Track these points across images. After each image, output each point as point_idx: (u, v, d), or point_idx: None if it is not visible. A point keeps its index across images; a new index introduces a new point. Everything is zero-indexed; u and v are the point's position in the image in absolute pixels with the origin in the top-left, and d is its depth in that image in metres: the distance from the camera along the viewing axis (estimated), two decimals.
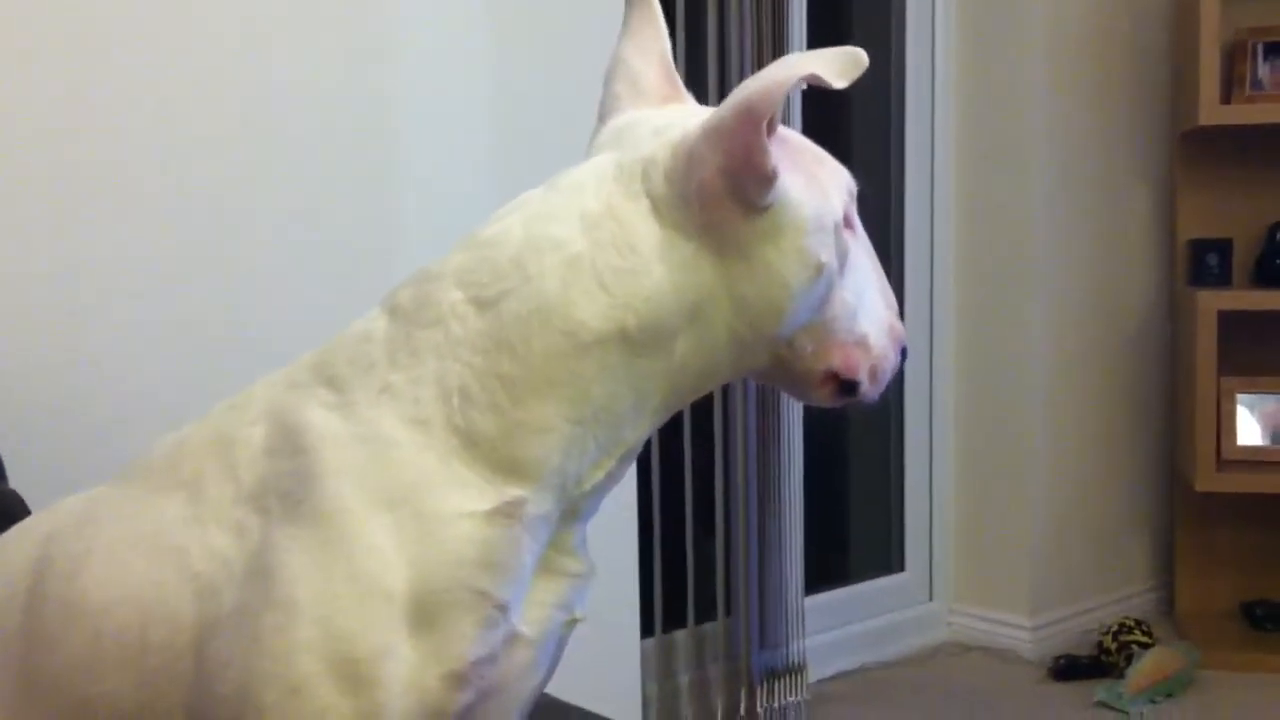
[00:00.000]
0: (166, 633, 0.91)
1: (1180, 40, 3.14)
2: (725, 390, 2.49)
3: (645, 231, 0.93)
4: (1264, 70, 3.00)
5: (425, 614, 0.87)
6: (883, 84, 3.09)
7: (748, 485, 2.51)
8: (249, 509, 0.92)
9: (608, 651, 2.23)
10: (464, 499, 0.89)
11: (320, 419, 0.92)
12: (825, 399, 1.03)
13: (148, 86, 1.66)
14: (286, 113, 1.78)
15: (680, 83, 1.11)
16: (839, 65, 0.92)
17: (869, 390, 1.03)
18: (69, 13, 1.59)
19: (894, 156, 3.11)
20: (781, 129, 0.98)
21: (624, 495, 2.22)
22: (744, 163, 0.91)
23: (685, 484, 2.55)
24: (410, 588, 0.87)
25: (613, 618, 2.23)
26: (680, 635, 2.62)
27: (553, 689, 1.15)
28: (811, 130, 1.08)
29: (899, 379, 3.12)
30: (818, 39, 2.68)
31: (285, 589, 0.86)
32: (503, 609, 0.90)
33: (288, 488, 0.90)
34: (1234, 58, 3.05)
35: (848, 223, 1.01)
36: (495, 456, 0.91)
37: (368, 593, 0.86)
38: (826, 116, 2.91)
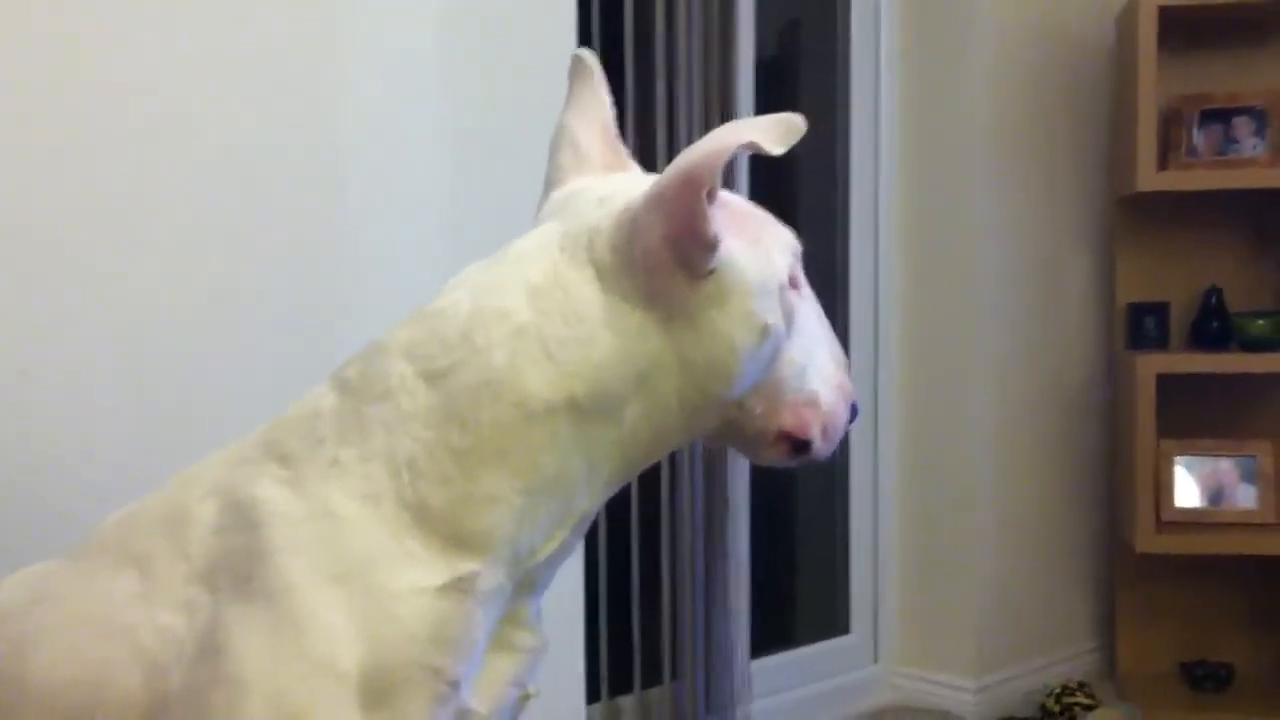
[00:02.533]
0: (117, 713, 0.91)
1: (1118, 108, 3.20)
2: (671, 454, 2.49)
3: (591, 300, 0.94)
4: (1199, 138, 3.07)
5: (377, 691, 0.86)
6: (828, 154, 3.12)
7: (694, 549, 2.51)
8: (199, 587, 0.91)
9: (554, 717, 2.21)
10: (416, 574, 0.89)
11: (270, 495, 0.92)
12: (778, 458, 1.05)
13: (89, 156, 1.64)
14: (233, 178, 1.77)
15: (624, 150, 1.13)
16: (777, 132, 0.93)
17: (821, 448, 1.05)
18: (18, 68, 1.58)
19: (839, 224, 3.14)
20: (724, 194, 0.99)
21: (570, 560, 2.20)
22: (686, 230, 0.92)
23: (631, 548, 2.54)
24: (361, 665, 0.86)
25: (558, 683, 2.22)
26: (626, 701, 2.60)
27: None
28: (757, 198, 1.09)
29: (845, 441, 3.13)
30: (765, 106, 2.70)
31: (234, 667, 0.86)
32: (454, 685, 0.90)
33: (238, 565, 0.90)
34: (1170, 125, 3.11)
35: (793, 283, 1.02)
36: (446, 530, 0.90)
37: (317, 670, 0.85)
38: (772, 185, 2.93)
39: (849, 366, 1.09)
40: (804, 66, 3.19)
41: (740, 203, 1.03)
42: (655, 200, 0.93)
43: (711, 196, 0.92)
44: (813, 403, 1.03)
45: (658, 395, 0.96)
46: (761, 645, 2.86)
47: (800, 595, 3.29)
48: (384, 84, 1.93)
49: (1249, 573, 3.22)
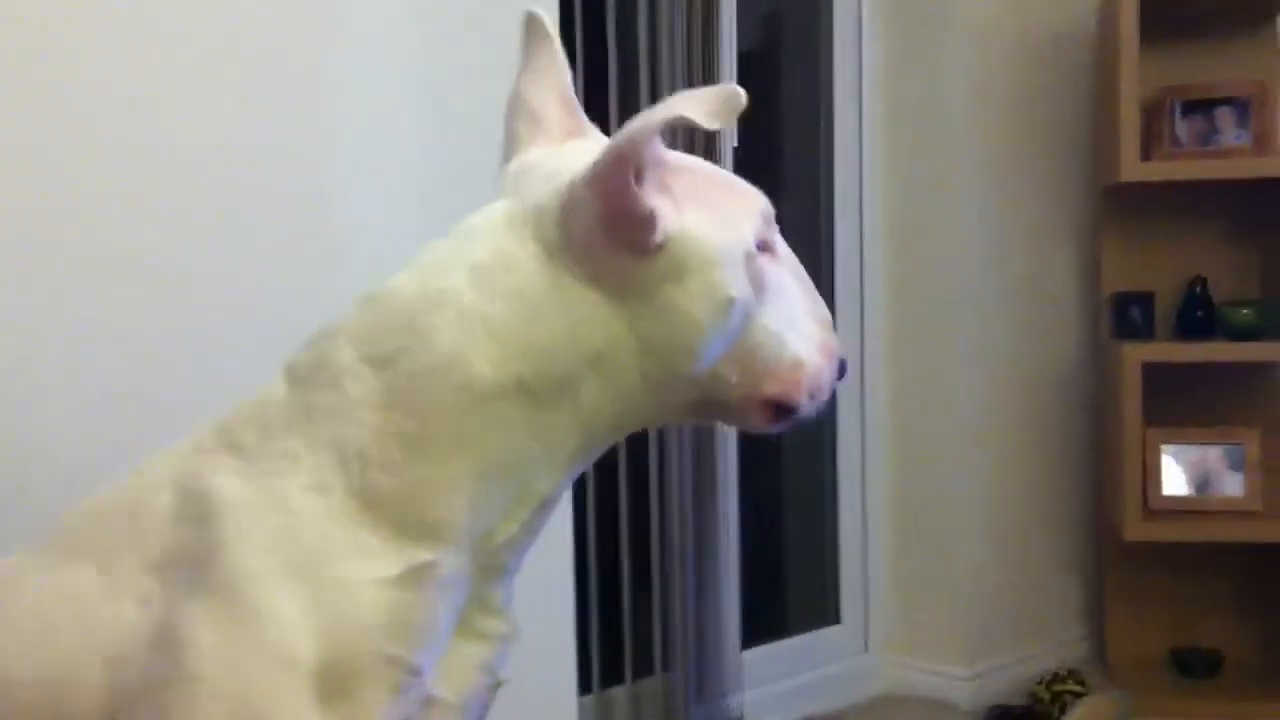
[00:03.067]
0: (80, 709, 0.90)
1: (1101, 98, 3.22)
2: (661, 444, 2.50)
3: (537, 280, 0.92)
4: (1182, 128, 3.08)
5: (335, 683, 0.86)
6: (811, 146, 3.13)
7: (684, 540, 2.51)
8: (155, 578, 0.90)
9: (545, 710, 2.21)
10: (369, 565, 0.88)
11: (225, 486, 0.90)
12: (763, 424, 1.01)
13: (74, 140, 1.64)
14: (218, 166, 1.77)
15: (583, 116, 1.09)
16: (711, 106, 0.90)
17: (807, 409, 1.01)
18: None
19: (823, 216, 3.15)
20: (684, 160, 0.97)
21: (560, 551, 2.21)
22: (619, 208, 0.90)
23: (621, 539, 2.54)
24: (318, 657, 0.85)
25: (549, 675, 2.22)
26: (618, 692, 2.60)
27: None
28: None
29: (833, 431, 3.15)
30: (747, 92, 2.71)
31: (191, 663, 0.85)
32: (416, 673, 0.89)
33: (192, 556, 0.89)
34: (1153, 116, 3.13)
35: (765, 247, 0.99)
36: (399, 518, 0.89)
37: (274, 664, 0.84)
38: (754, 179, 2.95)
39: (833, 324, 1.05)
40: (786, 58, 3.20)
41: (704, 167, 1.00)
42: (588, 179, 0.91)
43: (640, 173, 0.90)
44: (795, 366, 0.99)
45: (617, 374, 0.93)
46: (752, 635, 2.87)
47: (791, 585, 3.30)
48: (365, 66, 1.93)
49: (1237, 560, 3.24)
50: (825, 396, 1.03)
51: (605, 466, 2.50)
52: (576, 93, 1.10)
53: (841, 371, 1.04)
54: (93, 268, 1.64)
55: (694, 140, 2.40)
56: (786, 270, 1.02)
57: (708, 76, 2.47)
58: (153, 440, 1.66)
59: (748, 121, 2.68)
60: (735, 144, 2.54)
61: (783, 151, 3.14)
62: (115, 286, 1.67)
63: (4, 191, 1.57)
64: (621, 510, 2.54)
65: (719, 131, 2.43)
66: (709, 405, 1.00)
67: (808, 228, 3.13)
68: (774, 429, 1.02)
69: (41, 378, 1.60)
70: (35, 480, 1.59)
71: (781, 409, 1.00)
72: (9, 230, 1.57)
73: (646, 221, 0.91)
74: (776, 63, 3.19)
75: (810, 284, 1.05)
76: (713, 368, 0.96)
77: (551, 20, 1.09)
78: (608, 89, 2.39)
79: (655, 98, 2.41)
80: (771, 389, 0.99)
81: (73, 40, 1.62)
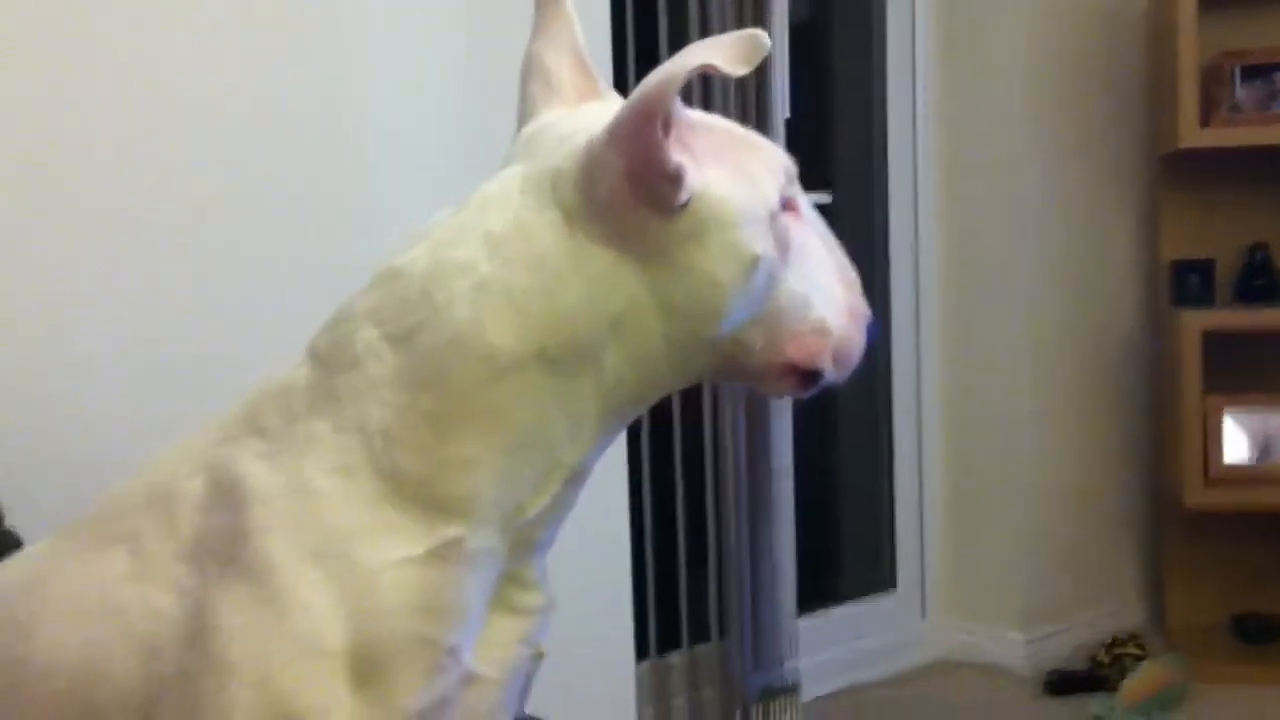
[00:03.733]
0: (114, 696, 0.90)
1: (1159, 64, 3.18)
2: (715, 411, 2.51)
3: (556, 245, 0.89)
4: (1242, 93, 3.05)
5: (368, 667, 0.85)
6: (864, 119, 3.13)
7: (739, 507, 2.53)
8: (188, 566, 0.90)
9: (602, 675, 2.24)
10: (396, 545, 0.87)
11: (252, 472, 0.90)
12: (789, 390, 0.98)
13: (109, 115, 1.65)
14: (255, 139, 1.79)
15: (597, 78, 1.05)
16: (736, 52, 0.87)
17: (835, 375, 0.98)
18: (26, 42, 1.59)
19: (877, 182, 3.15)
20: (705, 118, 0.94)
21: (617, 520, 2.24)
22: (645, 163, 0.87)
23: (677, 507, 2.57)
24: (349, 641, 0.85)
25: (607, 641, 2.25)
26: (675, 658, 2.63)
27: (547, 712, 1.15)
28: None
29: (889, 400, 3.16)
30: (799, 71, 2.71)
31: (222, 651, 0.85)
32: (452, 653, 0.88)
33: (222, 545, 0.89)
34: (1212, 81, 3.09)
35: (788, 206, 0.96)
36: (425, 496, 0.88)
37: (304, 650, 0.84)
38: (809, 151, 2.96)
39: (860, 286, 1.01)
40: (839, 31, 3.19)
41: (724, 125, 0.97)
42: (612, 135, 0.87)
43: (667, 125, 0.87)
44: (820, 330, 0.96)
45: (640, 340, 0.91)
46: (808, 602, 2.88)
47: (846, 552, 3.31)
48: (404, 44, 1.94)
49: None
50: (854, 363, 1.00)
51: (661, 434, 2.53)
52: (628, 64, 1.08)
53: (870, 336, 1.01)
54: (105, 261, 1.66)
55: (746, 110, 2.40)
56: (811, 230, 0.99)
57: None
58: (176, 422, 1.69)
59: (801, 93, 2.69)
60: (788, 115, 2.55)
61: (836, 123, 3.14)
62: (130, 277, 1.68)
63: (20, 184, 1.58)
64: (677, 478, 2.56)
65: (771, 102, 2.43)
66: (732, 371, 0.97)
67: (863, 198, 3.13)
68: (799, 395, 0.99)
69: (50, 372, 1.61)
70: (34, 482, 1.59)
71: (807, 375, 0.98)
72: (22, 223, 1.59)
73: (673, 177, 0.88)
74: (829, 34, 3.18)
75: (836, 244, 1.01)
76: (736, 332, 0.93)
77: None
78: (659, 61, 2.38)
79: (705, 74, 2.40)
80: (796, 354, 0.96)
81: (94, 23, 1.63)
